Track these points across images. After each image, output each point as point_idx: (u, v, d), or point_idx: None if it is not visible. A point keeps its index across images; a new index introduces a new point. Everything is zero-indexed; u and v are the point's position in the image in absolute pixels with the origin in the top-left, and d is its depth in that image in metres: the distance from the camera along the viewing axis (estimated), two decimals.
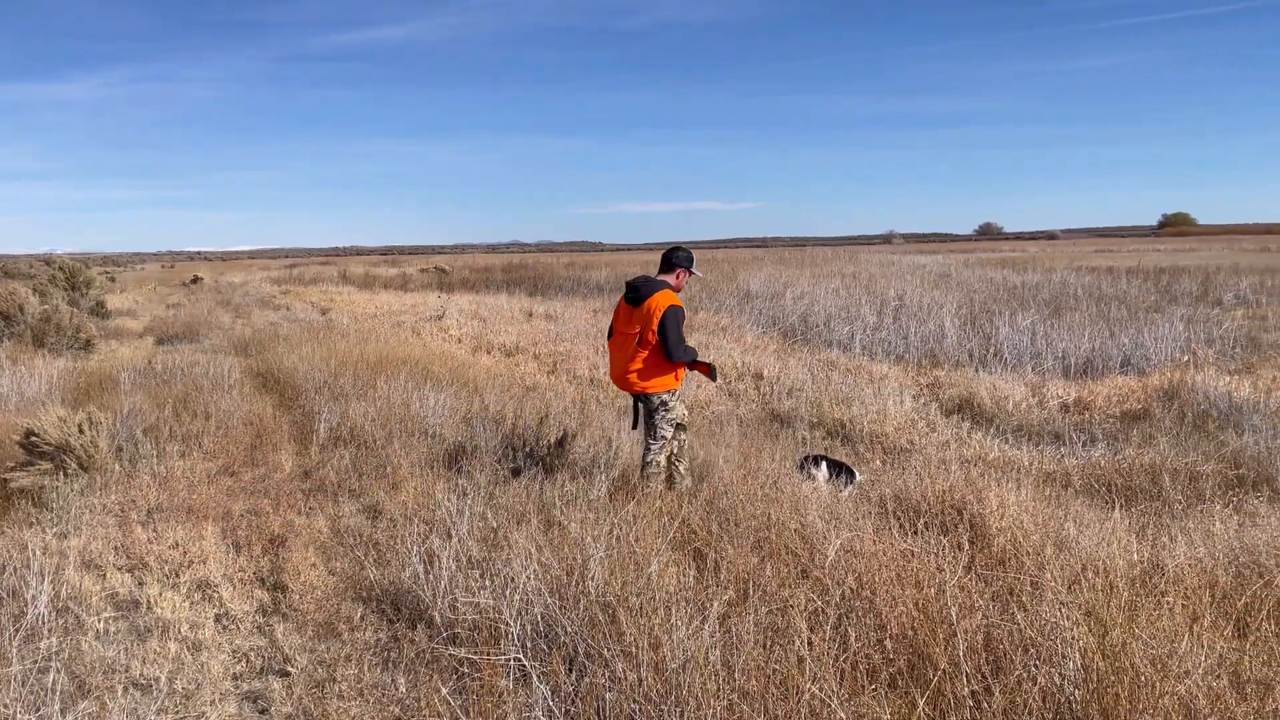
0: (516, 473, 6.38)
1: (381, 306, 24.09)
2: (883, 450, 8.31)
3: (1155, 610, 3.57)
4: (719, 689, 3.17)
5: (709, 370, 6.01)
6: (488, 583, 4.18)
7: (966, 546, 4.40)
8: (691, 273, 6.10)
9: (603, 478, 6.04)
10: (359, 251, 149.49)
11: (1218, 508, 5.59)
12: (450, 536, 4.73)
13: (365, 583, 4.79)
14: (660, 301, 5.71)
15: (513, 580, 3.99)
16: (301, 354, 11.68)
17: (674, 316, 5.70)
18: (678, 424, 6.00)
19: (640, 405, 6.06)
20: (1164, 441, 7.86)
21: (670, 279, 5.97)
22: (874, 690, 3.18)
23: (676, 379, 5.90)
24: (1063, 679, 3.08)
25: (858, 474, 6.64)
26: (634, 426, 6.26)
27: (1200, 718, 2.91)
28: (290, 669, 4.04)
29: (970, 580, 3.97)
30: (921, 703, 2.98)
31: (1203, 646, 3.20)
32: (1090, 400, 9.98)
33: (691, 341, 6.25)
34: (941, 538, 4.43)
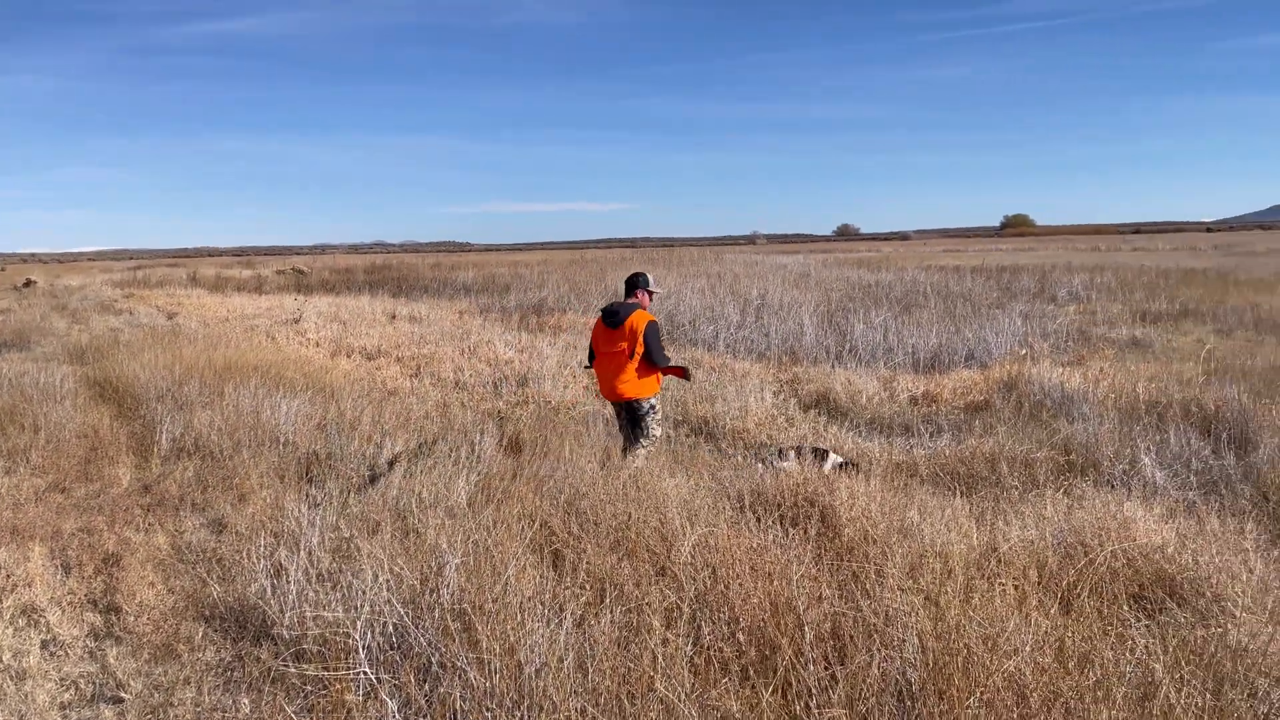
0: (373, 480, 6.21)
1: (234, 310, 23.04)
2: (744, 445, 8.47)
3: (989, 592, 3.76)
4: (573, 691, 3.15)
5: (684, 373, 6.77)
6: (338, 595, 4.04)
7: (816, 538, 4.53)
8: (652, 291, 6.96)
9: (463, 482, 5.94)
10: (211, 253, 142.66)
11: (1049, 492, 5.91)
12: (299, 548, 4.56)
13: (208, 600, 4.56)
14: (640, 319, 6.61)
15: (363, 591, 3.88)
16: (143, 361, 11.03)
17: (653, 329, 6.65)
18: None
19: (628, 413, 6.79)
20: (1003, 431, 8.29)
21: (637, 299, 6.82)
22: (725, 683, 3.23)
23: (657, 383, 6.75)
24: (902, 662, 3.21)
25: (831, 455, 7.02)
26: (623, 434, 6.91)
27: (1027, 691, 3.08)
28: (124, 695, 3.81)
29: (819, 570, 4.09)
30: (766, 694, 3.05)
31: (1030, 624, 3.39)
32: (937, 393, 10.43)
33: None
34: (793, 530, 4.55)
